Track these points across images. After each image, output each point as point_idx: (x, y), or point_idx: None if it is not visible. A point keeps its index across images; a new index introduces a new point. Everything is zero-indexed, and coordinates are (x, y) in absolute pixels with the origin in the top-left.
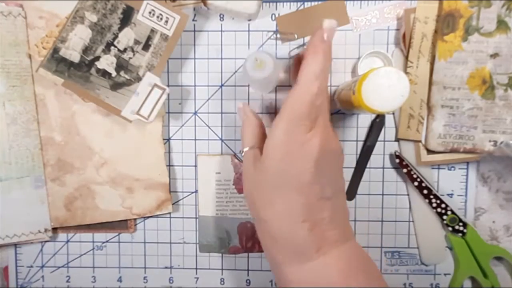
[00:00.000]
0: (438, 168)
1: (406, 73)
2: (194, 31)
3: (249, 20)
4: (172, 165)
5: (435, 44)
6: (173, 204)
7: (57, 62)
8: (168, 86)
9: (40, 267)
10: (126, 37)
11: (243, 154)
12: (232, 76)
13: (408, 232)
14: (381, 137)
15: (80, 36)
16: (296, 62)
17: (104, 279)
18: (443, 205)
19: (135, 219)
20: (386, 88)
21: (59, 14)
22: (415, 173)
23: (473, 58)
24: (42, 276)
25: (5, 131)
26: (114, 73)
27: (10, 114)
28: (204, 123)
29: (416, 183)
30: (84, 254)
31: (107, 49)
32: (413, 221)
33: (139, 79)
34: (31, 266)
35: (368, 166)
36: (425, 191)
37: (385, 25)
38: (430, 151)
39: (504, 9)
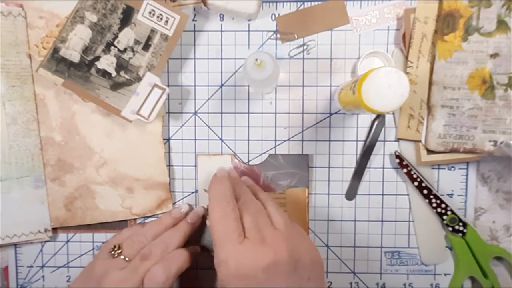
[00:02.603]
0: (438, 168)
1: (406, 73)
2: (194, 31)
3: (249, 20)
4: (172, 165)
5: (435, 44)
6: (173, 204)
7: (57, 62)
8: (168, 86)
9: (40, 267)
10: (126, 37)
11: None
12: (232, 76)
13: (408, 232)
14: (381, 137)
15: (80, 36)
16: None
17: None
18: (443, 205)
19: (135, 219)
20: (386, 88)
21: (59, 14)
22: (415, 173)
23: (473, 58)
24: (42, 276)
25: (5, 131)
26: (114, 73)
27: (10, 114)
28: (204, 123)
29: (416, 183)
30: (84, 254)
31: (107, 49)
32: (413, 221)
33: (139, 79)
34: (31, 266)
35: (368, 166)
36: (425, 191)
37: (385, 25)
38: (430, 151)
39: (504, 9)
